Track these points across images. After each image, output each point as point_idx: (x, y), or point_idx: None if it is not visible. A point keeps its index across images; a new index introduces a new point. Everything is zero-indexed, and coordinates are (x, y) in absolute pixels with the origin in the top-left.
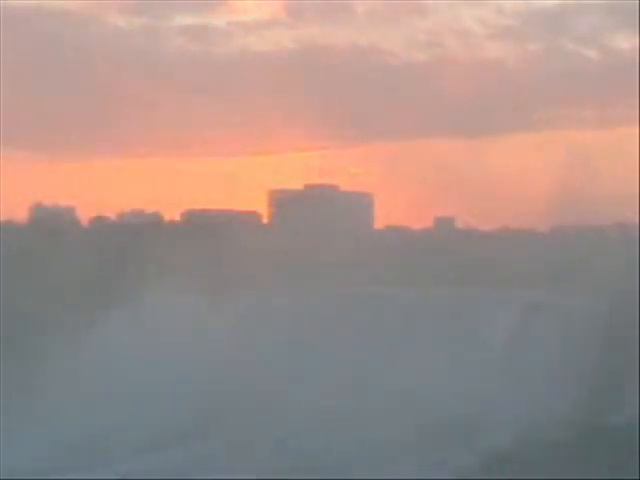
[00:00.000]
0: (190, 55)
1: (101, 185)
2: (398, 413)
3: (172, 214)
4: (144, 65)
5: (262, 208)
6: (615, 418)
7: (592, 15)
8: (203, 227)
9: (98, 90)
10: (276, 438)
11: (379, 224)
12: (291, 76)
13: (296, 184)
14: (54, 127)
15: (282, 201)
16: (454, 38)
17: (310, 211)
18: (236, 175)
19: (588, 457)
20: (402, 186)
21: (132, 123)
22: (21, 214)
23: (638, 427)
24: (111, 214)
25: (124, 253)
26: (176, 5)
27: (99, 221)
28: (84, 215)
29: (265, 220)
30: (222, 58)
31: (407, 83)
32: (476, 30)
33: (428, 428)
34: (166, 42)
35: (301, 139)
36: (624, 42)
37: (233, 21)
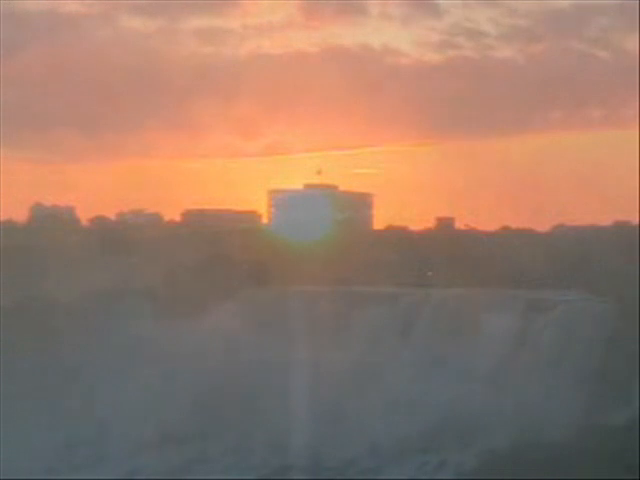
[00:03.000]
0: (203, 57)
1: (102, 185)
2: (398, 413)
3: (172, 214)
4: (154, 67)
5: (262, 208)
6: (615, 418)
7: (603, 16)
8: (203, 227)
9: (107, 91)
10: (277, 437)
11: (379, 224)
12: (301, 78)
13: (296, 184)
14: (60, 128)
15: (282, 201)
16: (467, 39)
17: (310, 211)
18: (237, 175)
19: (588, 457)
20: (404, 187)
21: (138, 125)
22: (21, 214)
23: (638, 427)
24: (111, 214)
25: (123, 252)
26: (190, 7)
27: (99, 221)
28: (84, 215)
29: (265, 220)
30: (234, 60)
31: (418, 84)
32: (488, 31)
33: (428, 428)
34: (180, 44)
35: (308, 140)
36: (635, 43)
37: (247, 23)
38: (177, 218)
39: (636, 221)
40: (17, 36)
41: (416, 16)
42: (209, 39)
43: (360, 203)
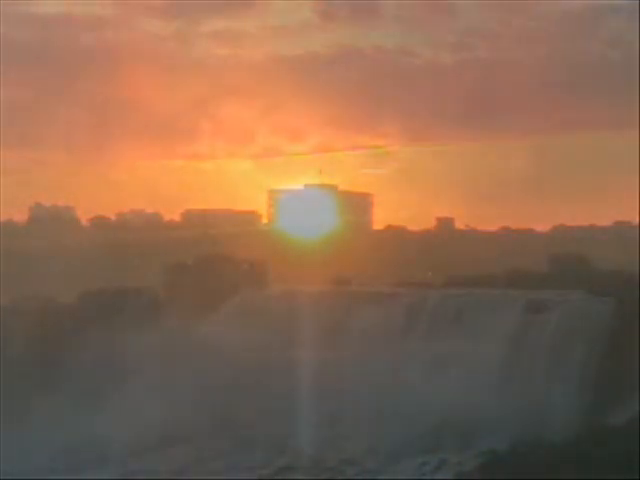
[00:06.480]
0: (218, 59)
1: (102, 185)
2: (398, 413)
3: (172, 214)
4: (168, 68)
5: (262, 208)
6: (615, 418)
7: (615, 17)
8: (203, 227)
9: (115, 92)
10: (277, 438)
11: (379, 224)
12: (312, 79)
13: (296, 184)
14: (61, 129)
15: (282, 201)
16: (480, 40)
17: (310, 211)
18: (238, 175)
19: (588, 457)
20: (404, 187)
21: (140, 125)
22: (21, 214)
23: (638, 427)
24: (111, 214)
25: (123, 252)
26: (206, 10)
27: (99, 221)
28: (84, 215)
29: (265, 220)
30: (249, 61)
31: (430, 85)
32: (501, 32)
33: (428, 428)
34: (196, 46)
35: (311, 140)
36: None
37: (262, 25)
38: (177, 218)
39: (636, 221)
40: (31, 37)
41: (430, 17)
42: (225, 41)
43: (360, 203)
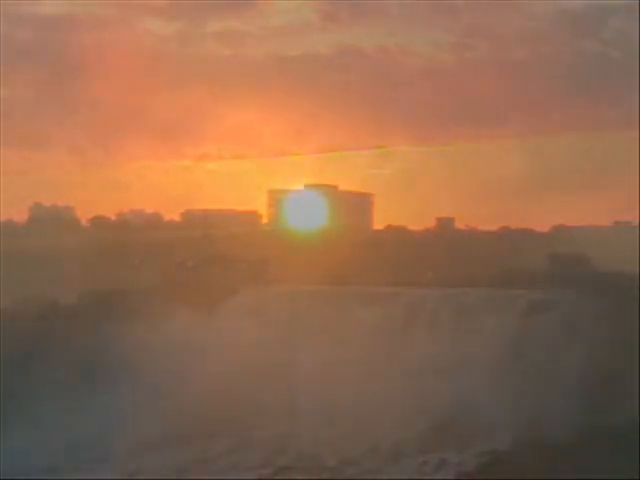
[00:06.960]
0: (220, 59)
1: (102, 185)
2: (398, 413)
3: (172, 214)
4: (164, 69)
5: (262, 208)
6: (615, 418)
7: (617, 17)
8: (203, 227)
9: (116, 92)
10: (277, 438)
11: (379, 224)
12: (313, 79)
13: (296, 184)
14: (61, 128)
15: (282, 201)
16: (482, 40)
17: (310, 211)
18: (238, 175)
19: (588, 457)
20: (404, 187)
21: (141, 125)
22: (21, 214)
23: (638, 427)
24: (111, 214)
25: (123, 252)
26: (208, 10)
27: (99, 221)
28: (84, 215)
29: (265, 220)
30: (251, 62)
31: (432, 85)
32: (502, 32)
33: (428, 428)
34: (198, 46)
35: (314, 142)
36: None
37: (264, 26)
38: (177, 218)
39: (636, 221)
40: (31, 37)
41: (430, 17)
42: (227, 41)
43: (360, 203)
